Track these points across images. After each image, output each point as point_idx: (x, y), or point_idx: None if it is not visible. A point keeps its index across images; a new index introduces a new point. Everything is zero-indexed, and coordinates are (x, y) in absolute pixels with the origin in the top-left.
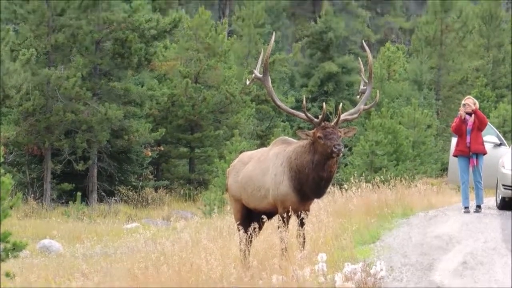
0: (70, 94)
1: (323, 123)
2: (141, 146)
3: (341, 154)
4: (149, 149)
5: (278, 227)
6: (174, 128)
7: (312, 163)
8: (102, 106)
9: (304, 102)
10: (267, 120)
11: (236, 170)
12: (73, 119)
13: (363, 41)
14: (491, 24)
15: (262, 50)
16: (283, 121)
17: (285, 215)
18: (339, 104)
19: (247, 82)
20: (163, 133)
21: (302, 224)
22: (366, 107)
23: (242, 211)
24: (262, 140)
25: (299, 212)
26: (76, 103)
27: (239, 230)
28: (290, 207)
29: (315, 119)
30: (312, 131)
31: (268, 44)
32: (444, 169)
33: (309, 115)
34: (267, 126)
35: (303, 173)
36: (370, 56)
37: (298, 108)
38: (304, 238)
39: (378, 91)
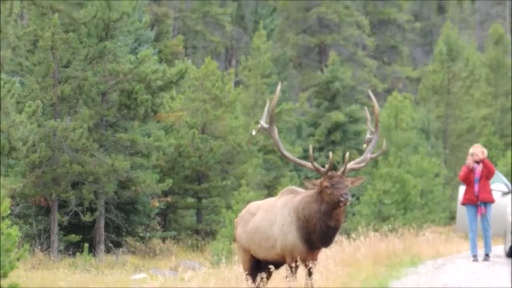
0: (77, 146)
1: (329, 173)
2: (148, 197)
3: (348, 203)
4: (156, 199)
5: (286, 277)
6: (181, 178)
7: (320, 212)
8: (109, 157)
9: (311, 151)
10: (275, 170)
11: (244, 221)
12: (79, 171)
13: (369, 90)
14: (498, 72)
15: (268, 100)
16: (290, 170)
17: (293, 265)
18: (346, 153)
19: (253, 133)
20: (170, 184)
21: (310, 273)
22: (373, 155)
23: (251, 262)
24: (270, 190)
25: (307, 262)
26: (83, 155)
27: (247, 280)
28: (298, 256)
29: (322, 169)
30: (319, 180)
31: (274, 94)
32: (452, 218)
33: (316, 164)
34: (274, 176)
35: (310, 223)
36: (376, 105)
37: (305, 157)
38: None
39: (384, 140)
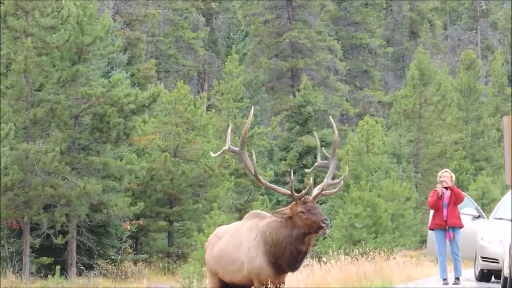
0: (49, 169)
1: (303, 198)
2: (120, 219)
3: (328, 228)
4: (128, 222)
5: None
6: (153, 201)
7: (291, 237)
8: (81, 180)
9: (292, 177)
10: (246, 193)
11: (212, 244)
12: (51, 194)
13: (330, 116)
14: (469, 97)
15: (231, 123)
16: (261, 194)
17: None
18: (310, 179)
19: (212, 154)
20: (142, 207)
21: None
22: (334, 182)
23: (219, 284)
24: (241, 213)
25: (277, 285)
26: (55, 178)
27: None
28: (265, 280)
29: (296, 194)
30: (290, 206)
31: (247, 118)
32: (423, 241)
33: (290, 191)
34: (246, 199)
35: (279, 247)
36: (336, 131)
37: (277, 182)
38: None
39: (347, 166)
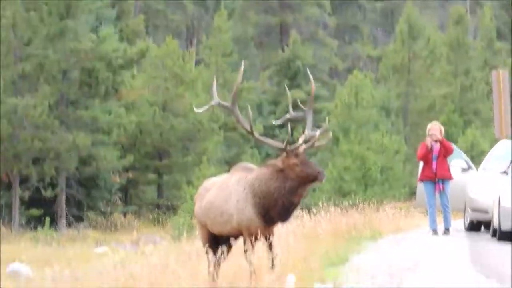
0: (38, 123)
1: (295, 151)
2: (109, 172)
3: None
4: (117, 175)
5: (245, 251)
6: (142, 155)
7: (284, 189)
8: (70, 134)
9: (290, 130)
10: (235, 146)
11: (201, 197)
12: (40, 147)
13: (307, 68)
14: (458, 52)
15: (215, 79)
16: (251, 147)
17: (252, 239)
18: (305, 130)
19: (197, 109)
20: (131, 160)
21: (270, 247)
22: (316, 134)
23: (208, 236)
24: (230, 166)
25: (267, 236)
26: (44, 131)
27: (207, 253)
28: (255, 231)
29: (287, 146)
30: (281, 158)
31: (238, 73)
32: (412, 193)
33: (284, 144)
34: (235, 152)
35: (269, 199)
36: (312, 83)
37: (266, 135)
38: (273, 261)
39: (327, 118)
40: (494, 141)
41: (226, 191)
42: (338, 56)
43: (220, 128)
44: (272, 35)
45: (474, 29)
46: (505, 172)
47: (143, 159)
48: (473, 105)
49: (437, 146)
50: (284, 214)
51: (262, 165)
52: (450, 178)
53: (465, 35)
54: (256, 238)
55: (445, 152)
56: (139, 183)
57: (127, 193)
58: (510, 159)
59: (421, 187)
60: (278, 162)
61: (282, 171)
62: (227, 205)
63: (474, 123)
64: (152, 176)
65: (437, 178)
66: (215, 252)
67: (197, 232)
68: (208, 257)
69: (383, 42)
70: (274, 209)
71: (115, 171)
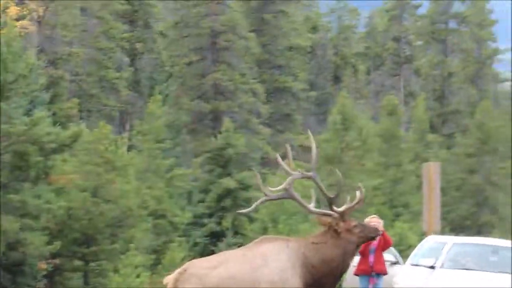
0: None
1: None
2: (36, 258)
3: None
4: (44, 262)
5: None
6: (70, 241)
7: (346, 254)
8: None
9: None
10: (163, 235)
11: (199, 276)
12: None
13: (309, 131)
14: (390, 143)
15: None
16: (179, 236)
17: None
18: (360, 187)
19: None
20: (59, 246)
21: None
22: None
23: None
24: (158, 254)
25: None
26: None
27: None
28: None
29: (338, 209)
30: (338, 223)
31: (169, 159)
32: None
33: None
34: (163, 241)
35: (327, 267)
36: (313, 142)
37: (194, 224)
38: None
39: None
40: (422, 235)
41: (256, 261)
42: (270, 145)
43: (148, 215)
44: (205, 121)
45: (407, 120)
46: (432, 267)
47: (71, 245)
48: (403, 197)
49: (376, 239)
50: (337, 280)
51: (298, 236)
52: (385, 272)
53: (398, 127)
54: None
55: (384, 244)
56: (65, 269)
57: (52, 280)
58: (437, 254)
59: (353, 281)
60: (332, 228)
61: (338, 237)
62: (257, 274)
63: (403, 216)
64: (78, 263)
65: (373, 272)
66: None
67: None
68: None
69: (316, 132)
70: (328, 277)
71: (41, 258)
